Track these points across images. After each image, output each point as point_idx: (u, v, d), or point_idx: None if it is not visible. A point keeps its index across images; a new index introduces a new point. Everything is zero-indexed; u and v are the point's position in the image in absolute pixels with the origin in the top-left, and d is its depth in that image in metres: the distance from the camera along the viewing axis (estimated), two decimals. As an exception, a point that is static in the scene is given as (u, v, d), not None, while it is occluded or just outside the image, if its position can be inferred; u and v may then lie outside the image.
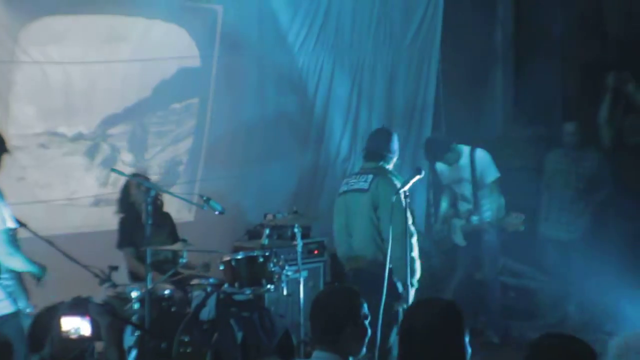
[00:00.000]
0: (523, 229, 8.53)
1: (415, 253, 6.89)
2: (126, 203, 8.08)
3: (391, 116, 10.74)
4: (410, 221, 6.76)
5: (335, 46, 10.29)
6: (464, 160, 8.89)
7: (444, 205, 9.25)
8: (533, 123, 11.21)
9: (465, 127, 10.30)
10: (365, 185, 7.06)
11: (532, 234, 9.55)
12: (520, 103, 11.54)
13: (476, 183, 8.83)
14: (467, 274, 9.17)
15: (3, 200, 5.98)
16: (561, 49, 10.97)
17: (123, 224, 8.08)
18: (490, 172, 8.85)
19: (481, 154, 8.88)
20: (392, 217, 6.66)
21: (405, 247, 6.68)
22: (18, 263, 6.02)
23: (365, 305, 4.38)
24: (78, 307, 3.60)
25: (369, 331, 4.35)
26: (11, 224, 5.99)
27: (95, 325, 3.53)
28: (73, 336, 3.62)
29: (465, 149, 8.91)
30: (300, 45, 10.00)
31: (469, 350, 3.85)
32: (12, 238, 6.02)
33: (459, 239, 8.98)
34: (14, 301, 5.97)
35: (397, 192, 6.77)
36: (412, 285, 6.81)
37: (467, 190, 8.92)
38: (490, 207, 8.82)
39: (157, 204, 7.95)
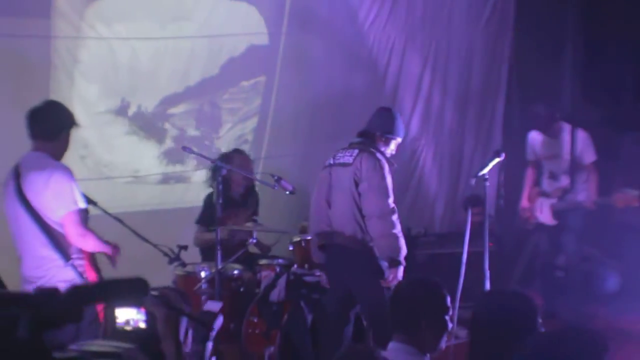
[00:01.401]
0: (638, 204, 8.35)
1: (398, 229, 6.68)
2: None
3: (465, 97, 10.56)
4: (391, 198, 6.68)
5: (407, 25, 10.09)
6: (565, 136, 8.79)
7: (529, 181, 9.08)
8: (603, 105, 10.99)
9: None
10: (350, 160, 6.88)
11: (608, 219, 9.36)
12: (590, 85, 11.31)
13: (575, 161, 8.66)
14: (547, 258, 9.01)
15: (74, 180, 5.89)
16: (633, 30, 10.71)
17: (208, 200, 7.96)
18: (590, 152, 8.78)
19: (583, 134, 8.82)
20: (372, 192, 6.64)
21: (388, 224, 6.61)
22: (90, 243, 5.93)
23: (448, 299, 4.26)
24: (133, 298, 3.48)
25: (449, 326, 4.23)
26: (82, 205, 5.90)
27: (150, 317, 3.42)
28: (128, 328, 3.51)
29: (566, 126, 8.84)
30: (371, 23, 9.82)
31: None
32: (83, 218, 5.93)
33: (547, 218, 8.80)
34: (87, 281, 5.90)
35: (475, 175, 6.78)
36: (398, 263, 6.62)
37: (560, 167, 8.78)
38: (585, 188, 8.63)
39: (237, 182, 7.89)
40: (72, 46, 7.98)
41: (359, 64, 9.76)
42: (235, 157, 7.90)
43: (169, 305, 3.45)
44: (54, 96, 7.44)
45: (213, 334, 4.06)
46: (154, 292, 3.53)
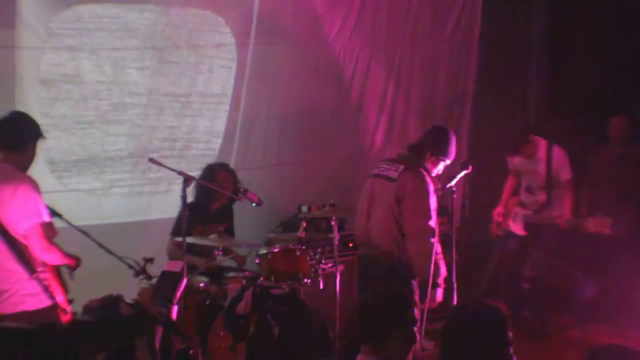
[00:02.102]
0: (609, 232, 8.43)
1: (437, 251, 6.74)
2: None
3: (429, 108, 10.58)
4: (432, 220, 6.69)
5: (372, 36, 10.10)
6: (541, 153, 8.88)
7: (508, 188, 9.14)
8: (568, 116, 11.05)
9: (501, 120, 10.14)
10: (394, 175, 6.91)
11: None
12: (555, 96, 11.38)
13: (550, 178, 8.74)
14: (513, 269, 9.06)
15: (39, 193, 5.86)
16: (597, 41, 10.79)
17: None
18: (565, 170, 8.89)
19: (559, 151, 8.91)
20: (414, 212, 6.70)
21: (426, 245, 6.64)
22: (54, 257, 5.90)
23: (415, 310, 4.28)
24: (109, 307, 3.48)
25: (417, 337, 4.25)
26: (46, 218, 5.86)
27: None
28: None
29: (542, 142, 8.91)
30: (336, 35, 9.83)
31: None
32: (48, 231, 5.90)
33: (518, 228, 8.85)
34: (51, 295, 5.87)
35: (442, 187, 6.81)
36: (436, 285, 6.70)
37: (537, 182, 8.89)
38: (560, 204, 8.77)
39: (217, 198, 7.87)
40: (36, 56, 7.95)
41: (325, 75, 9.76)
42: (219, 171, 7.89)
43: (144, 313, 3.45)
44: (20, 107, 7.41)
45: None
46: (129, 302, 3.53)
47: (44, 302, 5.84)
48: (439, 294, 6.76)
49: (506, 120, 9.98)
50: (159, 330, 3.53)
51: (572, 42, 10.98)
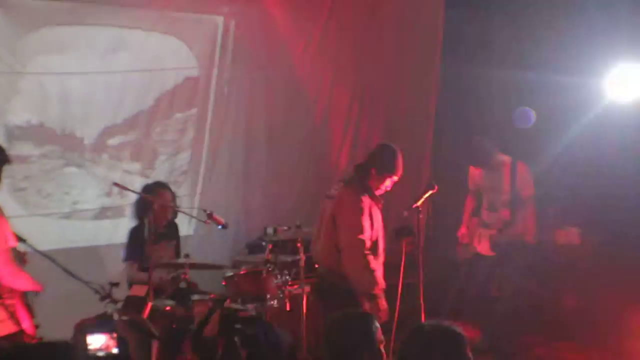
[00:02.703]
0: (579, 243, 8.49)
1: (368, 264, 6.73)
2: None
3: (393, 128, 10.63)
4: (363, 234, 6.70)
5: (335, 57, 10.20)
6: (504, 169, 8.83)
7: (469, 210, 9.14)
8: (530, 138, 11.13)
9: (464, 138, 10.19)
10: (334, 193, 6.99)
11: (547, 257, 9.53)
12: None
13: (515, 195, 8.75)
14: (481, 289, 9.07)
15: (4, 218, 5.83)
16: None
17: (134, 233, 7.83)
18: (528, 186, 8.80)
19: (523, 167, 8.83)
20: (344, 227, 6.74)
21: (357, 259, 6.69)
22: (21, 282, 5.87)
23: (379, 331, 4.30)
24: (104, 324, 3.51)
25: (384, 357, 4.26)
26: (13, 243, 5.83)
27: (122, 342, 3.42)
28: (100, 354, 3.51)
29: (507, 159, 8.86)
30: (300, 56, 9.93)
31: None
32: (15, 256, 5.87)
33: (485, 248, 8.87)
34: (17, 321, 5.82)
35: (409, 207, 6.99)
36: (372, 297, 6.75)
37: (499, 199, 8.84)
38: (523, 220, 8.76)
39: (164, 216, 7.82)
40: (4, 81, 7.97)
41: (289, 96, 9.83)
42: (158, 190, 7.86)
43: (141, 329, 3.46)
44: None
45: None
46: (124, 317, 3.55)
47: (9, 328, 5.77)
48: (381, 303, 6.79)
49: (469, 138, 9.99)
50: (155, 345, 3.54)
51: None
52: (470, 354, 3.72)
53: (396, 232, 7.49)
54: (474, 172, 9.08)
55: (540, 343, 9.09)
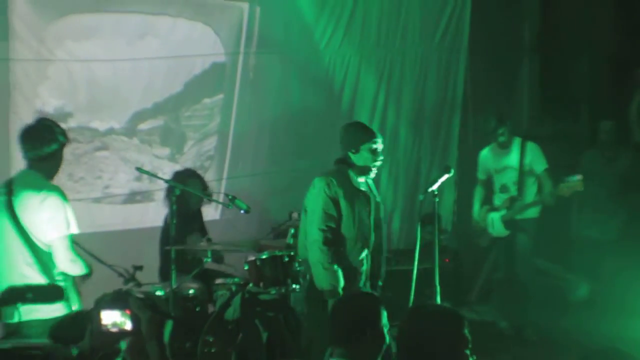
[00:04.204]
0: (582, 189, 8.49)
1: (324, 260, 6.29)
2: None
3: (420, 113, 10.68)
4: (320, 226, 6.35)
5: (362, 44, 10.23)
6: (514, 149, 8.93)
7: (478, 200, 9.18)
8: (560, 120, 11.13)
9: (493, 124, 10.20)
10: None
11: (562, 231, 9.52)
12: (547, 100, 11.46)
13: (523, 171, 8.83)
14: (506, 273, 9.10)
15: (68, 203, 5.90)
16: (589, 45, 10.87)
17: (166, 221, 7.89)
18: (541, 161, 8.89)
19: (533, 145, 8.95)
20: (309, 221, 6.44)
21: (314, 253, 6.34)
22: (77, 268, 5.94)
23: (385, 314, 4.36)
24: (119, 300, 3.60)
25: (387, 339, 4.32)
26: (75, 230, 5.90)
27: (135, 320, 3.51)
28: (113, 330, 3.60)
29: (517, 140, 8.97)
30: (327, 43, 9.97)
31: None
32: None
33: (500, 230, 8.91)
34: (68, 303, 5.91)
35: (424, 191, 6.80)
36: (327, 294, 6.29)
37: (510, 179, 8.92)
38: (534, 192, 8.87)
39: (190, 202, 7.91)
40: (32, 68, 8.03)
41: (315, 83, 9.88)
42: (188, 179, 7.94)
43: (153, 308, 3.53)
44: (14, 117, 7.51)
45: None
46: (140, 295, 3.62)
47: (60, 310, 5.80)
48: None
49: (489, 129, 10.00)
50: (168, 325, 3.61)
51: (564, 45, 11.06)
52: (468, 335, 3.75)
53: (422, 218, 7.33)
54: (485, 158, 9.14)
55: (570, 327, 9.09)
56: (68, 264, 5.85)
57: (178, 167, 8.77)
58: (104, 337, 3.71)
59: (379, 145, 6.54)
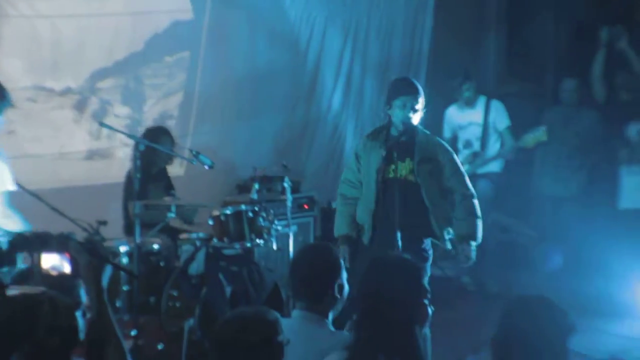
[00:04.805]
0: (546, 139, 8.60)
1: (339, 207, 6.60)
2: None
3: (385, 72, 10.69)
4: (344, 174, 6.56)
5: (328, 1, 10.21)
6: (479, 106, 9.13)
7: None
8: (525, 78, 11.19)
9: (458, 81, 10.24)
10: None
11: (524, 189, 9.62)
12: (513, 59, 11.50)
13: (487, 127, 9.00)
14: None
15: (6, 160, 5.90)
16: (554, 5, 10.92)
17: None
18: (504, 119, 9.09)
19: (497, 103, 9.15)
20: None
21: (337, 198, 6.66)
22: (12, 223, 5.96)
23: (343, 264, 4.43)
24: (59, 244, 3.61)
25: (347, 289, 4.38)
26: (11, 187, 5.90)
27: (74, 263, 3.53)
28: (53, 273, 3.63)
29: (482, 97, 9.17)
30: (292, 0, 9.91)
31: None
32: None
33: None
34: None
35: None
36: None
37: (474, 134, 9.09)
38: (496, 147, 9.05)
39: (158, 159, 7.92)
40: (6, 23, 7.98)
41: (281, 40, 9.85)
42: (163, 135, 7.95)
43: (92, 252, 3.55)
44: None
45: None
46: (79, 240, 3.63)
47: None
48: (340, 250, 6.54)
49: (455, 85, 10.02)
50: (108, 270, 3.63)
51: (529, 4, 11.10)
52: (427, 285, 3.81)
53: None
54: (450, 116, 9.24)
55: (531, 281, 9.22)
56: (2, 221, 5.88)
57: (140, 125, 8.79)
58: (45, 280, 3.74)
59: (408, 102, 6.31)
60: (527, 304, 3.62)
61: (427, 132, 6.44)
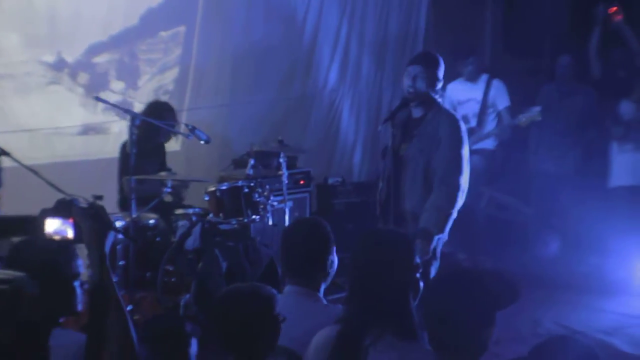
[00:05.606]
0: (540, 119, 8.62)
1: None
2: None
3: (383, 46, 10.66)
4: None
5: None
6: (480, 83, 9.21)
7: None
8: (522, 56, 11.18)
9: (453, 58, 10.22)
10: None
11: (521, 166, 9.63)
12: (510, 35, 11.49)
13: (485, 105, 9.08)
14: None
15: None
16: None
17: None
18: (504, 98, 9.18)
19: (499, 82, 9.23)
20: None
21: None
22: None
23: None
24: (62, 209, 3.62)
25: (336, 262, 4.39)
26: None
27: (77, 228, 3.54)
28: (56, 237, 3.65)
29: (484, 76, 9.26)
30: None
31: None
32: None
33: None
34: None
35: (383, 122, 6.42)
36: None
37: (472, 110, 9.14)
38: (493, 125, 9.14)
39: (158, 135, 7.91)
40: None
41: (278, 15, 9.76)
42: (166, 110, 7.94)
43: (95, 217, 3.55)
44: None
45: None
46: (83, 205, 3.64)
47: None
48: None
49: (458, 58, 10.01)
50: (110, 236, 3.63)
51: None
52: (418, 262, 3.83)
53: (383, 150, 7.37)
54: (452, 90, 9.25)
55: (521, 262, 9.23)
56: None
57: (136, 101, 8.77)
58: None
59: (412, 71, 6.21)
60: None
61: (447, 109, 6.32)
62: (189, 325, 4.25)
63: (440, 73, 6.26)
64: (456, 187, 6.00)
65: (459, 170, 6.03)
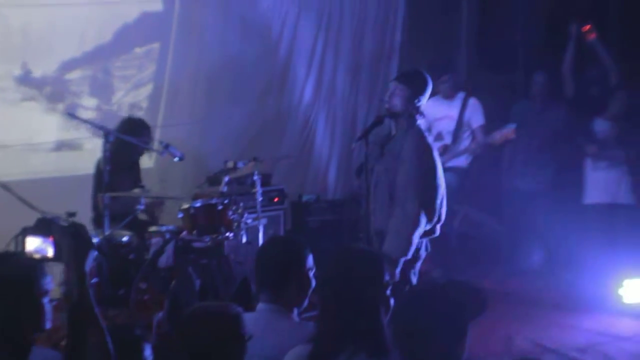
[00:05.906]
0: (514, 137, 8.65)
1: None
2: None
3: (357, 62, 10.66)
4: None
5: (300, -6, 10.15)
6: (457, 101, 9.18)
7: None
8: (496, 71, 11.21)
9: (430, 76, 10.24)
10: None
11: (494, 183, 9.64)
12: (485, 51, 11.52)
13: (461, 123, 9.06)
14: None
15: None
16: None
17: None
18: (479, 117, 9.15)
19: (475, 101, 9.20)
20: None
21: None
22: None
23: (311, 257, 4.39)
24: (42, 227, 3.61)
25: (313, 283, 4.37)
26: None
27: (57, 247, 3.52)
28: (36, 256, 3.62)
29: (461, 93, 9.24)
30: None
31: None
32: None
33: None
34: None
35: (356, 140, 6.40)
36: None
37: (446, 127, 9.11)
38: (467, 142, 9.12)
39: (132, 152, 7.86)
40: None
41: (253, 31, 9.75)
42: (143, 127, 7.92)
43: (75, 236, 3.52)
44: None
45: None
46: (64, 223, 3.61)
47: None
48: None
49: (434, 75, 10.01)
50: (91, 255, 3.60)
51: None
52: (386, 282, 3.84)
53: (357, 168, 7.36)
54: (429, 105, 9.22)
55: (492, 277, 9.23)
56: None
57: (109, 116, 8.73)
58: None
59: (390, 87, 6.27)
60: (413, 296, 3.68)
61: (420, 129, 6.24)
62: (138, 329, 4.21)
63: (421, 92, 6.24)
64: (412, 210, 5.94)
65: (415, 194, 5.97)
